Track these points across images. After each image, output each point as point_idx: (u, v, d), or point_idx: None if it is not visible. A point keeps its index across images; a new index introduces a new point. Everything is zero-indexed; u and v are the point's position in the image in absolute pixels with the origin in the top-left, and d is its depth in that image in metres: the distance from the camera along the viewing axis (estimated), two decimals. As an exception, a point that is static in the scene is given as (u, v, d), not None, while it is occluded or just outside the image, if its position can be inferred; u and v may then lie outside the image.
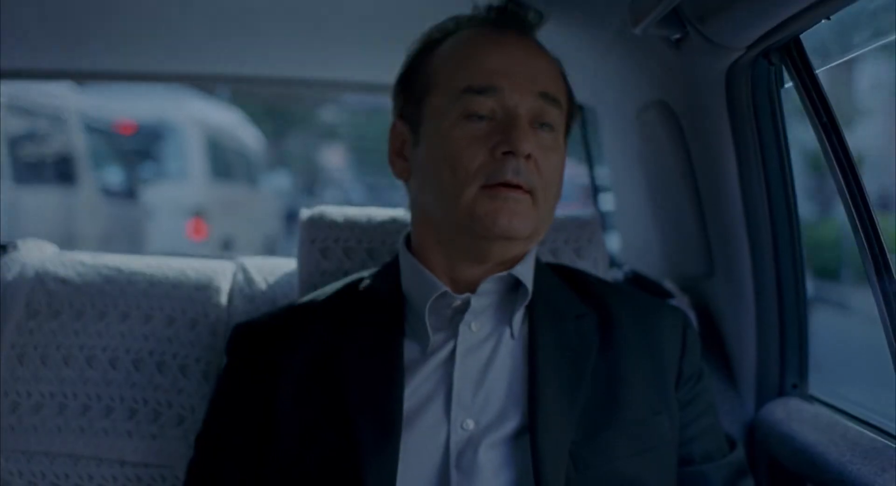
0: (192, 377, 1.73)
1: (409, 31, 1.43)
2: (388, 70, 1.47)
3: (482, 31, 1.38)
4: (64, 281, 1.81)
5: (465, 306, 1.34)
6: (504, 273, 1.35)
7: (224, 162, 9.65)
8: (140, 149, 8.66)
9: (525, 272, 1.37)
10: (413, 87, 1.39)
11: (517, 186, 1.28)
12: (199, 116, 9.19)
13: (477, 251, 1.34)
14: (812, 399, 1.67)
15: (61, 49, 2.08)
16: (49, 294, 1.79)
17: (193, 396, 1.72)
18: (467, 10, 1.41)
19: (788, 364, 1.68)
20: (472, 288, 1.35)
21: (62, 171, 7.03)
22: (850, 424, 1.51)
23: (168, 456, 1.71)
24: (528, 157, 1.28)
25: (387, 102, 1.49)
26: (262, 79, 2.39)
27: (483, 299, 1.35)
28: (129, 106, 8.51)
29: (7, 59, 2.04)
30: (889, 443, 1.38)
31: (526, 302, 1.37)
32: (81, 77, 2.44)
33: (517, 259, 1.37)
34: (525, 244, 1.36)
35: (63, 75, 2.35)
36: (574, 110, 1.42)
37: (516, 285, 1.37)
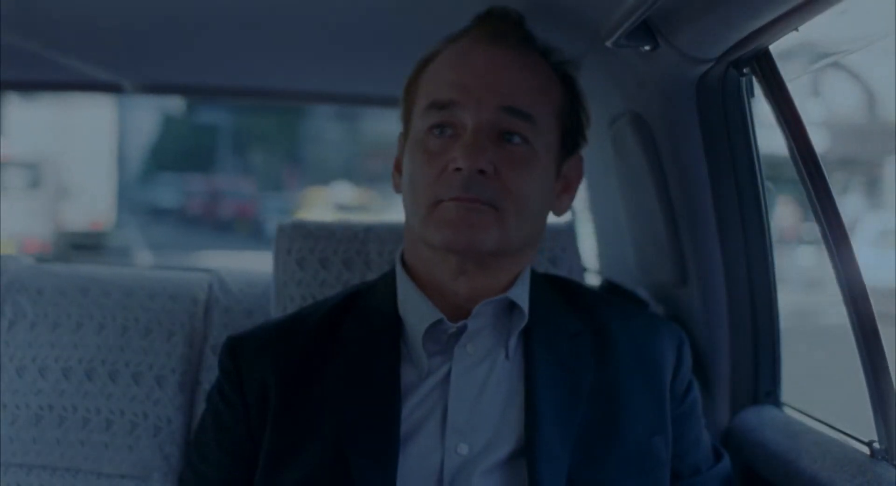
0: (168, 388, 1.73)
1: (402, 45, 1.43)
2: (379, 83, 1.47)
3: (464, 44, 1.34)
4: (40, 292, 1.80)
5: (462, 329, 1.31)
6: (500, 297, 1.32)
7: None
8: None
9: (520, 294, 1.34)
10: (407, 102, 1.38)
11: (475, 200, 1.25)
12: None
13: (451, 266, 1.31)
14: (785, 407, 1.68)
15: (59, 61, 2.09)
16: (24, 305, 1.78)
17: (169, 407, 1.72)
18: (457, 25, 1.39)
19: (762, 372, 1.69)
20: (466, 306, 1.32)
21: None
22: (822, 431, 1.52)
23: (144, 468, 1.70)
24: (483, 172, 1.25)
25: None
26: (260, 91, 2.41)
27: (479, 321, 1.32)
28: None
29: (6, 70, 2.04)
30: (859, 450, 1.39)
31: (522, 325, 1.34)
32: (79, 89, 2.44)
33: (511, 280, 1.35)
34: (504, 262, 1.33)
35: (61, 87, 2.36)
36: (573, 122, 1.38)
37: (511, 306, 1.34)
